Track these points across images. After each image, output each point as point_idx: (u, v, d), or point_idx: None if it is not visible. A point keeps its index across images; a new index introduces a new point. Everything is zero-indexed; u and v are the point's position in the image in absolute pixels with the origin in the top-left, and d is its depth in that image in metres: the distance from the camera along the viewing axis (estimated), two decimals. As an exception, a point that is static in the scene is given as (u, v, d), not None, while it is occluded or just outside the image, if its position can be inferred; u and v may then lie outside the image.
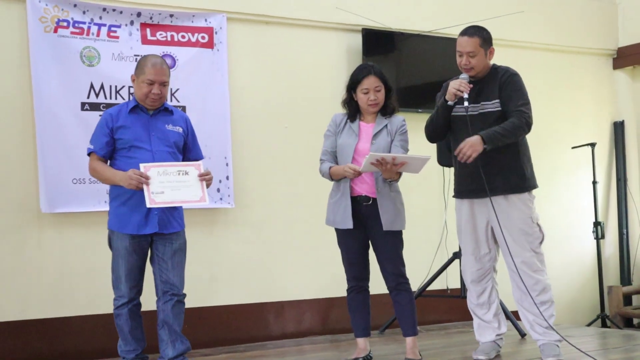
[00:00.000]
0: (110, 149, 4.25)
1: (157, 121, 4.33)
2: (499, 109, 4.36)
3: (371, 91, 4.35)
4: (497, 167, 4.36)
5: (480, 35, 4.38)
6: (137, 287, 4.28)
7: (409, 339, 4.44)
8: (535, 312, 4.42)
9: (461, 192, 4.57)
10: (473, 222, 4.54)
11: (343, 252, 4.50)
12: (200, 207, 4.95)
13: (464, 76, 4.36)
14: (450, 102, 4.37)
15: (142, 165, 4.11)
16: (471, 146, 4.18)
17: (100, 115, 4.73)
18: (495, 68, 4.48)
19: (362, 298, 4.50)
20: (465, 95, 4.28)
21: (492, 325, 4.67)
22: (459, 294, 5.73)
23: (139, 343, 4.34)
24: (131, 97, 4.65)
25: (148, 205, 4.11)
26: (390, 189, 4.36)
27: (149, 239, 4.26)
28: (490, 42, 4.43)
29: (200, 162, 4.33)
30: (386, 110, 4.43)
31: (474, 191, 4.46)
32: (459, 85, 4.29)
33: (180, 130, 4.38)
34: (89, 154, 4.29)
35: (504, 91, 4.36)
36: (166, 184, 4.12)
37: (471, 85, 4.32)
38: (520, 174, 4.42)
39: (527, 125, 4.32)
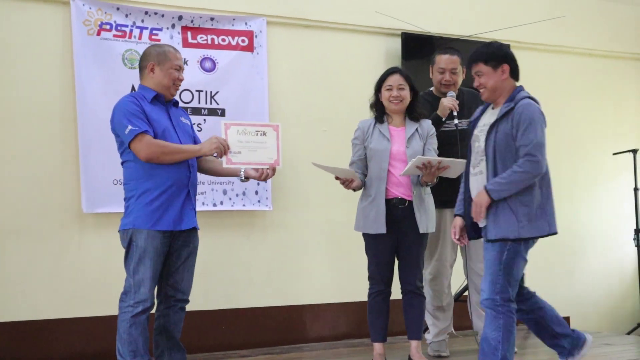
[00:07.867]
0: None
1: (174, 113, 4.15)
2: None
3: (394, 88, 4.42)
4: None
5: (459, 55, 4.89)
6: (154, 292, 3.99)
7: (415, 342, 4.52)
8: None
9: (445, 202, 4.71)
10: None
11: (373, 257, 4.49)
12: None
13: (451, 94, 4.76)
14: (443, 118, 4.69)
15: (223, 122, 4.00)
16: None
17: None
18: (460, 88, 4.94)
19: (387, 303, 4.53)
20: (455, 113, 4.65)
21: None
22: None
23: (148, 357, 3.94)
24: (136, 89, 4.48)
25: (224, 165, 3.96)
26: (424, 191, 4.38)
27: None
28: (462, 62, 4.84)
29: (278, 123, 4.20)
30: (413, 115, 4.48)
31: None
32: (452, 103, 4.64)
33: (189, 123, 4.31)
34: (134, 137, 3.85)
35: None
36: (244, 144, 4.04)
37: (458, 102, 4.70)
38: None
39: None
